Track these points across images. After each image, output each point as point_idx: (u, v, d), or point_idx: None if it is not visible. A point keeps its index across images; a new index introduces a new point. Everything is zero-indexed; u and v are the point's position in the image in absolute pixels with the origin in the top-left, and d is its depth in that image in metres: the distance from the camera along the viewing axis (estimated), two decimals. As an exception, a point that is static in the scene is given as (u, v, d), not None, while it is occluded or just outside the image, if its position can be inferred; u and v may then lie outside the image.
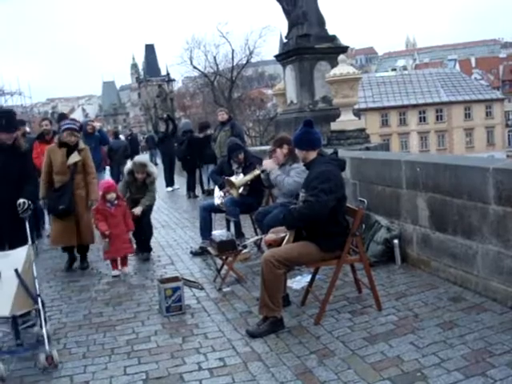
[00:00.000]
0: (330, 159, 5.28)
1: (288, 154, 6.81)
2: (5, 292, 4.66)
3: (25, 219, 5.46)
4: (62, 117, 12.20)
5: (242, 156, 8.23)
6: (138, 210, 8.02)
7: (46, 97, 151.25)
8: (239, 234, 8.02)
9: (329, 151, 5.63)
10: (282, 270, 4.92)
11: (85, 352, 4.89)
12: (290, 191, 6.57)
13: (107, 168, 16.64)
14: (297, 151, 5.44)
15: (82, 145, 7.80)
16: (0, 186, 5.80)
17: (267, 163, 7.01)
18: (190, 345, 4.90)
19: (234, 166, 8.31)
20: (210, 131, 14.41)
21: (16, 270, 4.77)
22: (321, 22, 12.49)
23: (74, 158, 7.58)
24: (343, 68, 10.70)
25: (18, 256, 4.98)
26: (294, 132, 5.68)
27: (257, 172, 7.40)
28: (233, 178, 7.86)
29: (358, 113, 12.19)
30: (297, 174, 6.56)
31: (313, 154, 5.25)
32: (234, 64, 50.07)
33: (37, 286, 4.94)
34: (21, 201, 5.62)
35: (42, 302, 4.94)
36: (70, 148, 7.57)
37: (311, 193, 4.96)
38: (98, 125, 13.15)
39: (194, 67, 50.51)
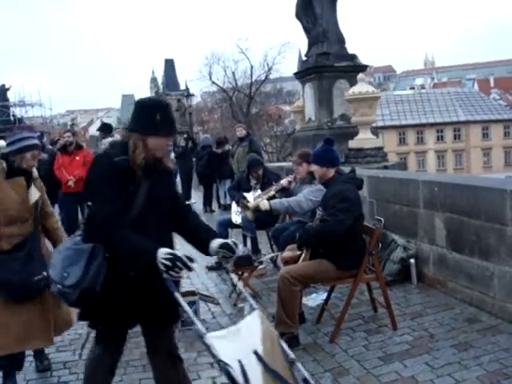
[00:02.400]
0: (348, 178, 5.31)
1: (311, 171, 6.87)
2: None
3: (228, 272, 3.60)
4: (106, 128, 11.64)
5: (261, 172, 8.28)
6: None
7: (65, 108, 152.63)
8: (255, 249, 8.04)
9: (346, 169, 5.66)
10: (298, 288, 4.94)
11: (100, 364, 4.92)
12: (306, 210, 6.55)
13: None
14: (315, 168, 5.45)
15: (35, 172, 4.73)
16: (151, 223, 3.29)
17: (284, 181, 7.14)
18: (205, 359, 4.91)
19: (253, 182, 8.36)
20: (227, 147, 14.50)
21: (256, 353, 3.02)
22: (341, 40, 12.54)
23: (35, 193, 4.54)
24: (362, 87, 10.75)
25: (250, 330, 3.13)
26: (314, 149, 5.72)
27: (272, 193, 7.40)
28: (249, 196, 7.90)
29: (375, 131, 12.20)
30: (310, 192, 6.56)
31: (331, 172, 5.28)
32: (253, 80, 50.37)
33: (300, 369, 3.21)
34: (221, 242, 3.39)
35: None
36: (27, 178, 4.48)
37: (329, 212, 4.99)
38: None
39: (213, 82, 50.98)
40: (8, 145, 4.14)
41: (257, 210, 7.07)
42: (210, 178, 14.92)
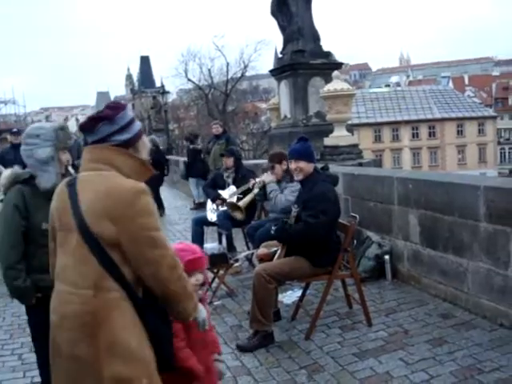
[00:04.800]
0: (326, 176, 5.29)
1: (287, 170, 6.85)
2: None
3: None
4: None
5: (230, 161, 8.28)
6: None
7: (39, 106, 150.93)
8: (231, 247, 8.02)
9: (319, 166, 5.62)
10: (274, 285, 4.93)
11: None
12: (281, 209, 6.50)
13: None
14: (304, 164, 5.22)
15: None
16: None
17: (266, 176, 6.98)
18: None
19: (225, 175, 8.35)
20: (199, 143, 14.47)
21: None
22: (316, 37, 12.55)
23: None
24: (337, 84, 10.75)
25: None
26: (293, 145, 5.61)
27: (256, 191, 7.25)
28: (224, 193, 7.89)
29: (351, 128, 12.22)
30: (291, 192, 6.51)
31: (310, 168, 5.21)
32: (229, 77, 50.30)
33: None
34: None
35: None
36: None
37: (310, 213, 4.93)
38: None
39: (189, 80, 50.76)
40: (117, 133, 2.55)
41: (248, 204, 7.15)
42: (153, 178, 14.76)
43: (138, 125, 2.68)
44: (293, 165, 5.36)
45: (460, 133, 64.68)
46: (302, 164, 5.22)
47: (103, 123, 2.52)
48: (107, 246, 2.40)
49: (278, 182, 6.90)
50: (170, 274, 2.50)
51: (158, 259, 2.46)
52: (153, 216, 2.50)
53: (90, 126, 2.54)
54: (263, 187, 7.09)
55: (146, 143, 2.72)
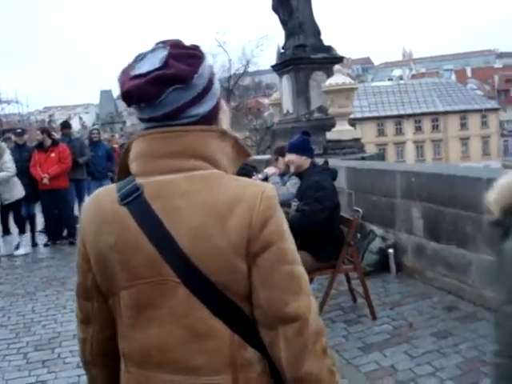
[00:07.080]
0: (323, 169, 5.34)
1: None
2: None
3: None
4: (66, 126, 11.64)
5: None
6: None
7: (43, 105, 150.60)
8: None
9: (321, 161, 5.67)
10: (277, 280, 4.91)
11: (79, 361, 4.85)
12: (282, 201, 6.48)
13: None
14: (293, 157, 5.41)
15: None
16: None
17: (269, 168, 7.04)
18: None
19: None
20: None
21: None
22: (317, 32, 12.54)
23: None
24: (339, 78, 10.74)
25: None
26: (293, 138, 5.68)
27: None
28: None
29: (353, 122, 12.21)
30: (293, 184, 6.53)
31: (307, 163, 5.30)
32: (231, 73, 50.27)
33: None
34: None
35: None
36: None
37: (306, 201, 5.00)
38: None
39: (191, 76, 50.69)
40: (195, 101, 1.43)
41: None
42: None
43: (217, 83, 1.54)
44: (286, 157, 5.61)
45: (463, 125, 64.45)
46: (293, 157, 5.42)
47: (176, 88, 1.38)
48: (236, 297, 1.40)
49: (282, 175, 6.90)
50: (315, 338, 1.43)
51: (300, 312, 1.41)
52: (289, 236, 1.46)
53: (151, 92, 1.37)
54: (265, 179, 7.08)
55: (225, 108, 1.59)
